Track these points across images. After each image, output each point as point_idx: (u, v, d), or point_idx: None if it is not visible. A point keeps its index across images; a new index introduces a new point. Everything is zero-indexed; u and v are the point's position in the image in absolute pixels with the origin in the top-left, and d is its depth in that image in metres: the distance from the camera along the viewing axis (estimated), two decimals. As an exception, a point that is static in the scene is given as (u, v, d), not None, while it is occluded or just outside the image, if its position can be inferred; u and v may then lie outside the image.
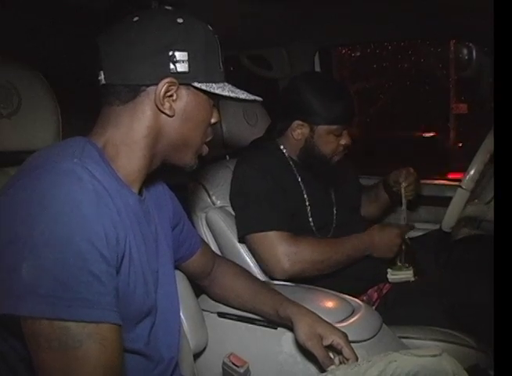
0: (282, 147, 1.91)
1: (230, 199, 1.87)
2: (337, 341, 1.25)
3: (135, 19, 0.99)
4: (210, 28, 1.05)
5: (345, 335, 1.28)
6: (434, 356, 1.05)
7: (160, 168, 1.12)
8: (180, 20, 1.00)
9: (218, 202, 1.89)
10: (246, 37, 2.29)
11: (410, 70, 8.38)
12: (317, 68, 2.57)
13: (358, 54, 8.24)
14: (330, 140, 1.83)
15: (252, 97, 1.11)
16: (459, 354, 1.49)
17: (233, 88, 1.07)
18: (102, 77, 1.01)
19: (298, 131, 1.85)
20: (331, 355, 1.26)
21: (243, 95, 1.08)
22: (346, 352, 1.24)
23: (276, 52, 2.55)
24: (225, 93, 1.04)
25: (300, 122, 1.84)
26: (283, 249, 1.69)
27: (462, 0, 1.72)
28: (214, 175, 1.95)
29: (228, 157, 2.11)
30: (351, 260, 1.78)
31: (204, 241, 1.51)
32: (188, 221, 1.39)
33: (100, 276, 0.84)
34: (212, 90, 1.02)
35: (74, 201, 0.84)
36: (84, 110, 1.06)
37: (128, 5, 1.03)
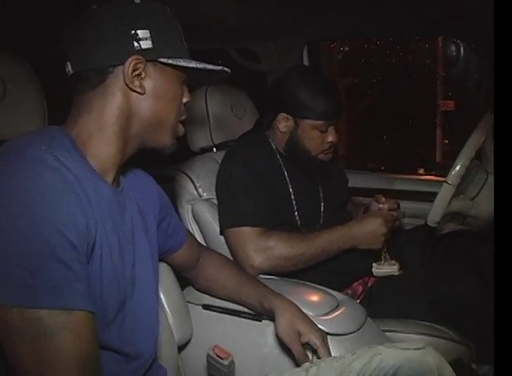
0: (270, 140, 1.91)
1: (215, 192, 1.86)
2: (314, 340, 1.27)
3: (94, 6, 1.01)
4: (168, 9, 1.07)
5: (323, 335, 1.30)
6: (418, 349, 1.06)
7: (143, 160, 1.12)
8: (137, 1, 1.02)
9: (205, 194, 1.89)
10: (234, 30, 2.29)
11: (398, 65, 8.39)
12: (305, 62, 2.57)
13: (346, 48, 8.24)
14: (315, 136, 1.81)
15: (219, 67, 1.12)
16: (442, 348, 1.50)
17: (200, 62, 1.08)
18: (69, 67, 1.02)
19: (283, 123, 1.84)
20: (308, 352, 1.29)
21: (210, 65, 1.10)
22: (321, 352, 1.26)
23: (265, 46, 2.55)
24: (192, 65, 1.06)
25: (285, 115, 1.83)
26: (253, 246, 1.68)
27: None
28: (201, 167, 1.94)
29: (215, 149, 2.11)
30: (328, 254, 1.74)
31: (191, 234, 1.51)
32: (175, 214, 1.39)
33: (70, 264, 0.83)
34: (179, 63, 1.04)
35: (40, 188, 0.84)
36: (70, 99, 1.05)
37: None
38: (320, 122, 1.78)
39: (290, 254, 1.69)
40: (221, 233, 1.79)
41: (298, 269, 1.72)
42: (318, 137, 1.81)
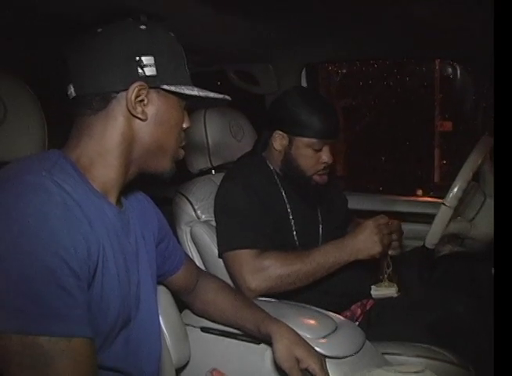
0: (267, 161, 1.92)
1: (214, 215, 1.87)
2: (312, 366, 1.25)
3: (99, 30, 1.01)
4: (172, 35, 1.08)
5: (321, 360, 1.28)
6: (417, 372, 1.06)
7: (142, 182, 1.12)
8: (143, 27, 1.02)
9: (203, 216, 1.89)
10: (233, 52, 2.31)
11: (396, 87, 8.45)
12: (304, 84, 2.59)
13: (344, 71, 8.30)
14: (308, 154, 1.81)
15: (221, 95, 1.13)
16: (441, 370, 1.50)
17: (202, 90, 1.09)
18: (71, 90, 1.03)
19: (278, 141, 1.85)
20: None
21: (212, 93, 1.10)
22: None
23: (263, 68, 2.57)
24: (194, 93, 1.06)
25: (280, 132, 1.84)
26: (249, 268, 1.68)
27: (447, 21, 1.75)
28: (200, 189, 1.95)
29: (213, 171, 2.12)
30: (325, 268, 1.71)
31: (189, 257, 1.51)
32: (173, 236, 1.39)
33: (70, 290, 0.83)
34: (181, 91, 1.04)
35: (41, 214, 0.84)
36: (70, 120, 1.06)
37: (116, 17, 1.03)
38: (314, 140, 1.79)
39: (286, 272, 1.67)
40: (220, 256, 1.79)
41: (297, 287, 1.71)
42: (312, 156, 1.81)
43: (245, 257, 1.69)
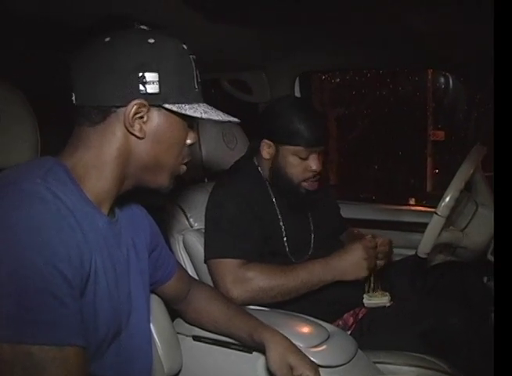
0: (259, 168, 1.92)
1: (204, 222, 1.86)
2: (306, 374, 1.25)
3: (107, 39, 0.99)
4: (185, 47, 1.04)
5: (315, 368, 1.28)
6: (409, 381, 1.06)
7: (135, 190, 1.12)
8: (151, 40, 0.99)
9: (196, 224, 1.89)
10: (227, 61, 2.31)
11: (388, 97, 8.48)
12: (297, 93, 2.60)
13: (338, 80, 8.33)
14: (295, 163, 1.80)
15: (227, 119, 1.09)
16: (433, 380, 1.50)
17: (207, 109, 1.05)
18: (73, 97, 1.01)
19: (266, 150, 1.85)
20: None
21: (217, 116, 1.06)
22: None
23: (257, 77, 2.58)
24: (197, 114, 1.02)
25: (267, 141, 1.84)
26: (232, 277, 1.68)
27: (441, 31, 1.76)
28: (193, 197, 1.95)
29: (206, 179, 2.12)
30: (309, 286, 1.72)
31: (181, 265, 1.50)
32: (165, 245, 1.38)
33: (63, 299, 0.83)
34: (183, 111, 1.01)
35: (36, 223, 0.83)
36: (63, 128, 1.05)
37: (111, 25, 1.02)
38: (299, 148, 1.78)
39: (269, 285, 1.68)
40: (205, 263, 1.79)
41: (279, 301, 1.70)
42: (298, 164, 1.80)
43: (229, 266, 1.69)
